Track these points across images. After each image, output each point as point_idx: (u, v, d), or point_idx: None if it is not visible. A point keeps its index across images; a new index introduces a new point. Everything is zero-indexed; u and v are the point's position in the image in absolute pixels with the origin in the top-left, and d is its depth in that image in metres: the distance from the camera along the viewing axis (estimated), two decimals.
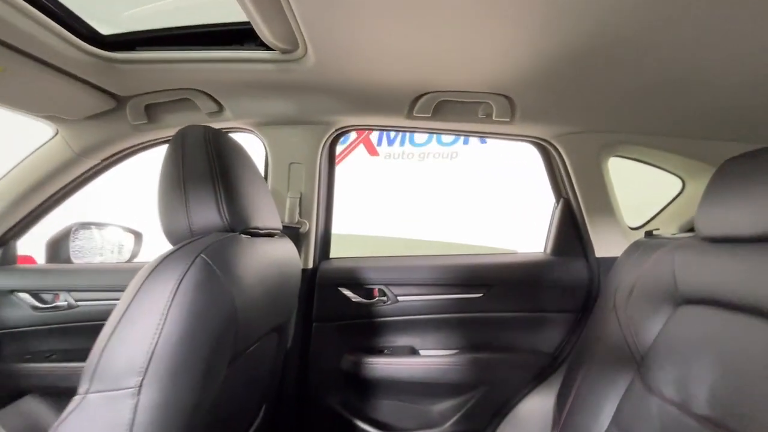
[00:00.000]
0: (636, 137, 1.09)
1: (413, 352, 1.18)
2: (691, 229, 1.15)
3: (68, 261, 1.23)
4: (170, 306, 0.51)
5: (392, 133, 3.90)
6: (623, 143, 1.12)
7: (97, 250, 1.36)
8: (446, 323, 1.17)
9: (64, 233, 1.25)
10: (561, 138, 1.12)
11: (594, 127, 1.08)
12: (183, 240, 0.62)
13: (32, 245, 1.30)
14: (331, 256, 1.24)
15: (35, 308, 1.14)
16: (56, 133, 1.06)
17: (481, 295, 1.15)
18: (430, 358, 1.15)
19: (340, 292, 1.16)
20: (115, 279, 1.15)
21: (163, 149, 0.72)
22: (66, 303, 1.14)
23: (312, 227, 1.15)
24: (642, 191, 1.30)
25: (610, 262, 1.02)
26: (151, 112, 1.05)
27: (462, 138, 3.73)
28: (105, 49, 0.83)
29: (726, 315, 0.62)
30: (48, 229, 1.25)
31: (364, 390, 1.17)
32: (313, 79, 0.90)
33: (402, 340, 1.18)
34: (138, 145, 1.14)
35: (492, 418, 1.15)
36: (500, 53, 0.75)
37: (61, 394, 1.10)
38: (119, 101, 1.01)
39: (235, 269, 0.60)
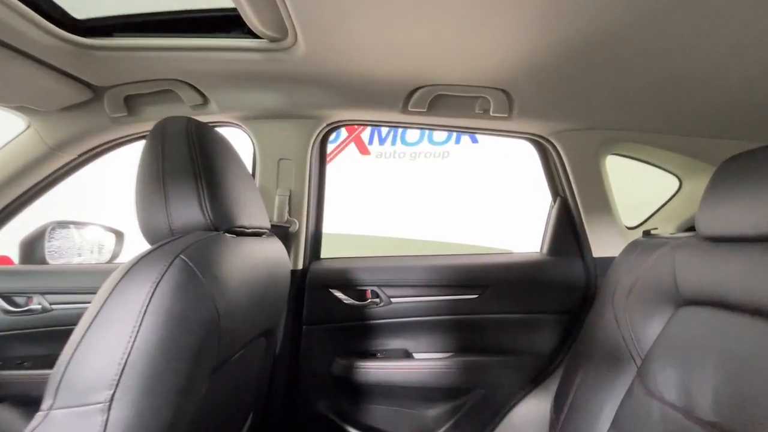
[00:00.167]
0: (634, 135, 1.08)
1: (407, 355, 1.15)
2: (690, 229, 1.14)
3: (43, 262, 1.17)
4: (145, 312, 0.47)
5: (383, 132, 3.87)
6: (621, 141, 1.10)
7: (75, 250, 1.30)
8: (441, 325, 1.14)
9: (39, 232, 1.19)
10: (559, 135, 1.10)
11: (592, 124, 1.06)
12: (162, 240, 0.57)
13: (9, 244, 1.24)
14: (321, 256, 1.21)
15: (6, 312, 1.07)
16: (28, 126, 1.00)
17: (476, 296, 1.13)
18: (424, 362, 1.12)
19: (332, 293, 1.12)
20: (93, 281, 1.10)
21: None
22: (40, 306, 1.08)
23: (302, 226, 1.11)
24: (638, 190, 1.29)
25: (608, 262, 1.00)
26: (131, 104, 0.99)
27: (454, 137, 3.73)
28: (79, 35, 0.78)
29: (729, 316, 0.61)
30: (28, 228, 1.19)
31: (357, 395, 1.14)
32: (304, 70, 0.86)
33: (395, 343, 1.15)
34: (118, 139, 1.08)
35: (488, 423, 1.13)
36: (499, 46, 0.73)
37: (33, 404, 1.03)
38: (96, 92, 0.95)
39: (218, 271, 0.55)
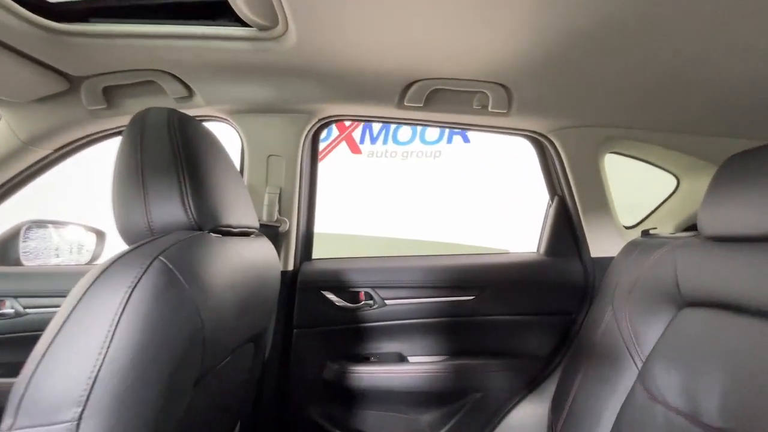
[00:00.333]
0: (634, 132, 1.06)
1: (401, 359, 1.12)
2: (689, 228, 1.13)
3: (18, 263, 1.11)
4: (119, 320, 0.42)
5: (375, 131, 3.85)
6: (621, 139, 1.09)
7: (52, 250, 1.24)
8: (436, 328, 1.11)
9: (13, 232, 1.13)
10: (558, 132, 1.08)
11: (592, 121, 1.04)
12: (141, 240, 0.53)
13: None
14: (313, 257, 1.17)
15: None
16: None
17: (472, 297, 1.10)
18: (418, 365, 1.10)
19: (323, 295, 1.09)
20: (70, 283, 1.03)
21: None
22: (13, 310, 1.02)
23: (292, 226, 1.07)
24: (635, 189, 1.28)
25: (606, 262, 0.99)
26: (110, 96, 0.94)
27: (446, 137, 3.72)
28: (52, 20, 0.72)
29: (734, 318, 0.60)
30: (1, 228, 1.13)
31: (350, 401, 1.10)
32: (294, 61, 0.82)
33: (389, 347, 1.12)
34: (96, 134, 1.02)
35: (484, 427, 1.11)
36: (499, 39, 0.71)
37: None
38: (72, 82, 0.90)
39: (202, 273, 0.51)
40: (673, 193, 1.23)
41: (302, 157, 1.07)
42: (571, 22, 0.64)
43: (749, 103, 0.88)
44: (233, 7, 0.67)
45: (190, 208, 0.57)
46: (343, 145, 3.85)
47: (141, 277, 0.45)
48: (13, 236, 1.12)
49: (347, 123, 3.78)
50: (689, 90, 0.84)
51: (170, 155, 0.57)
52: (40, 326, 1.01)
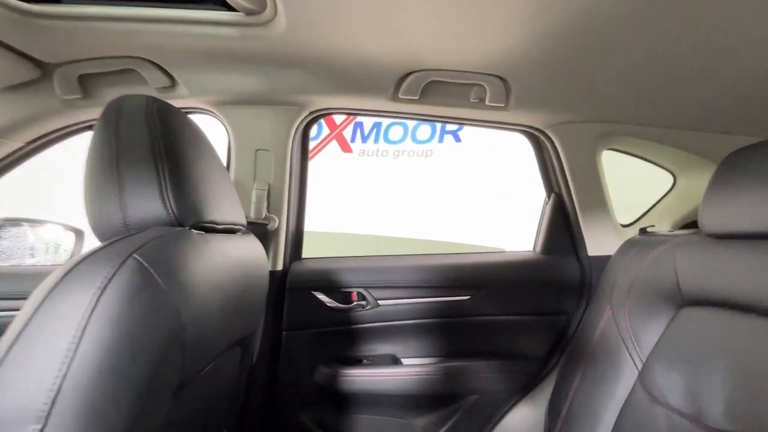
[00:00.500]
0: (632, 128, 1.04)
1: (395, 361, 1.10)
2: (687, 226, 1.13)
3: None
4: (86, 324, 0.38)
5: (366, 129, 3.82)
6: (618, 135, 1.07)
7: (27, 250, 1.18)
8: (431, 329, 1.09)
9: None
10: (556, 128, 1.06)
11: (590, 117, 1.02)
12: (115, 237, 0.49)
13: None
14: (303, 256, 1.13)
15: None
16: None
17: (468, 297, 1.08)
18: (413, 368, 1.07)
19: (314, 296, 1.05)
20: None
21: None
22: None
23: (282, 223, 1.02)
24: (631, 187, 1.27)
25: (603, 260, 0.98)
26: (87, 85, 0.88)
27: (437, 136, 3.71)
28: (22, 0, 0.67)
29: (737, 317, 0.59)
30: None
31: (341, 405, 1.07)
32: (284, 49, 0.78)
33: (382, 349, 1.09)
34: (71, 126, 0.97)
35: (479, 431, 1.08)
36: (497, 30, 0.69)
37: None
38: (44, 70, 0.84)
39: (182, 272, 0.47)
40: (670, 190, 1.22)
41: (292, 152, 1.03)
42: (570, 14, 0.63)
43: (747, 99, 0.87)
44: None
45: (169, 202, 0.52)
46: (334, 143, 3.82)
47: (112, 276, 0.40)
48: None
49: (338, 121, 3.75)
50: (688, 85, 0.83)
51: (148, 146, 0.53)
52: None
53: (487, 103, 0.92)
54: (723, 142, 1.00)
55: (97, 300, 0.39)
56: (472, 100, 0.94)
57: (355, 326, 1.07)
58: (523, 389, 1.09)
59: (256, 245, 0.79)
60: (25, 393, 0.36)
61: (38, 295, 0.40)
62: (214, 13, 0.70)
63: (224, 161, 1.02)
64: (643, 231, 0.98)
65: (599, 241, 1.09)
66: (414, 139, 3.76)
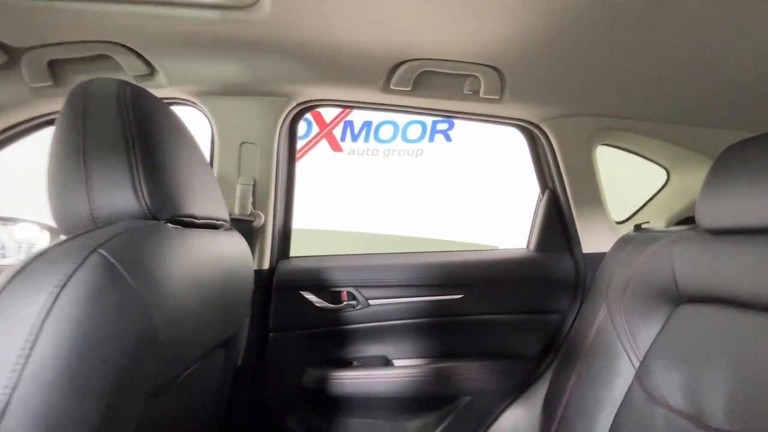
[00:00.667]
0: (627, 123, 1.03)
1: (386, 362, 1.06)
2: (683, 222, 1.12)
3: None
4: (41, 327, 0.34)
5: (356, 128, 3.79)
6: (613, 130, 1.06)
7: None
8: (423, 329, 1.06)
9: None
10: (550, 122, 1.04)
11: (586, 110, 1.00)
12: (80, 230, 0.44)
13: None
14: (291, 254, 1.09)
15: None
16: None
17: (461, 296, 1.05)
18: (405, 369, 1.04)
19: (302, 296, 1.01)
20: None
21: None
22: None
23: (268, 221, 0.99)
24: (625, 184, 1.26)
25: (598, 257, 0.96)
26: (58, 72, 0.83)
27: (428, 135, 3.71)
28: None
29: (736, 314, 0.58)
30: None
31: (331, 408, 1.04)
32: (268, 35, 0.74)
33: (373, 350, 1.06)
34: (42, 116, 0.91)
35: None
36: (492, 18, 0.66)
37: None
38: (11, 54, 0.78)
39: (154, 269, 0.43)
40: (664, 186, 1.21)
41: (279, 146, 0.99)
42: (566, 4, 0.61)
43: (741, 94, 0.87)
44: None
45: (142, 194, 0.48)
46: (324, 142, 3.79)
47: (73, 273, 0.36)
48: None
49: (328, 120, 3.72)
50: (683, 79, 0.83)
51: (119, 133, 0.49)
52: None
53: (481, 95, 0.90)
54: (717, 136, 1.00)
55: (55, 299, 0.35)
56: (465, 92, 0.91)
57: (345, 327, 1.03)
58: (517, 390, 1.07)
59: (240, 242, 0.75)
60: None
61: None
62: None
63: (207, 155, 0.98)
64: (638, 228, 0.97)
65: (594, 238, 1.07)
66: (404, 139, 3.76)
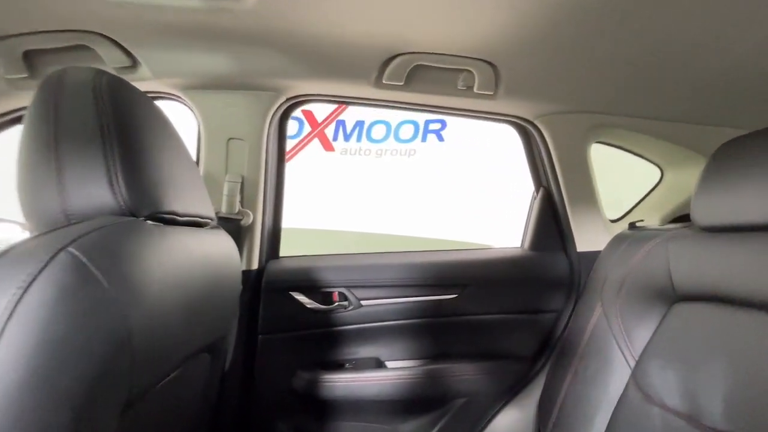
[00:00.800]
0: (621, 120, 1.03)
1: (379, 364, 1.04)
2: (677, 219, 1.12)
3: None
4: (2, 332, 0.31)
5: (348, 128, 3.77)
6: (608, 127, 1.05)
7: None
8: (416, 329, 1.04)
9: None
10: (545, 119, 1.02)
11: (580, 107, 0.99)
12: (52, 228, 0.41)
13: None
14: (281, 254, 1.07)
15: None
16: None
17: (455, 296, 1.04)
18: (398, 371, 1.02)
19: (292, 297, 0.99)
20: None
21: None
22: None
23: (257, 219, 0.96)
24: (618, 182, 1.26)
25: (592, 256, 0.95)
26: (34, 63, 0.79)
27: (420, 135, 3.70)
28: None
29: (732, 312, 0.57)
30: None
31: (322, 412, 1.01)
32: (255, 26, 0.71)
33: (366, 351, 1.04)
34: (18, 110, 0.87)
35: None
36: (486, 12, 0.65)
37: None
38: None
39: (131, 269, 0.40)
40: (657, 184, 1.21)
41: (268, 142, 0.96)
42: None
43: (735, 91, 0.86)
44: None
45: (119, 188, 0.45)
46: (316, 141, 3.76)
47: (38, 273, 0.33)
48: None
49: (320, 119, 3.69)
50: (677, 76, 0.82)
51: (95, 124, 0.46)
52: None
53: (475, 90, 0.88)
54: (710, 134, 1.00)
55: (18, 301, 0.32)
56: (459, 88, 0.89)
57: (336, 328, 1.01)
58: (512, 390, 1.06)
59: (227, 241, 0.72)
60: None
61: None
62: None
63: (193, 151, 0.94)
64: (632, 226, 0.96)
65: (588, 237, 1.07)
66: (397, 138, 3.75)
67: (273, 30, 0.73)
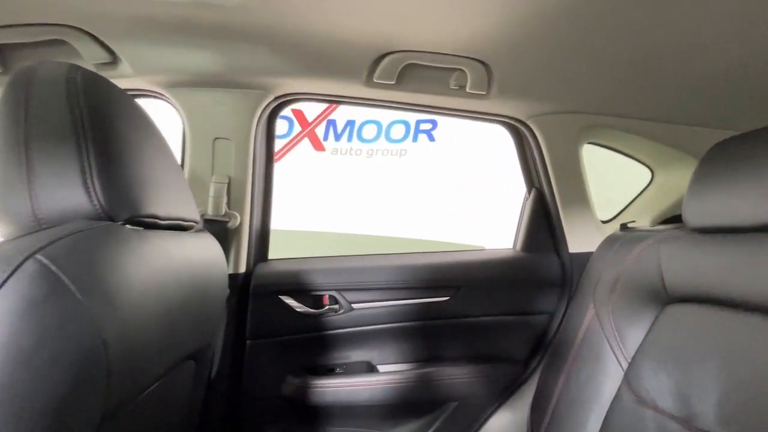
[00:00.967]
0: (613, 120, 1.02)
1: (370, 368, 1.03)
2: (668, 221, 1.12)
3: None
4: None
5: (339, 128, 3.75)
6: (599, 127, 1.05)
7: None
8: (408, 332, 1.03)
9: None
10: (537, 119, 1.02)
11: (573, 107, 0.99)
12: (22, 233, 0.39)
13: None
14: (270, 257, 1.04)
15: None
16: None
17: (447, 298, 1.02)
18: (389, 375, 1.01)
19: (281, 300, 0.96)
20: None
21: None
22: None
23: (244, 221, 0.93)
24: (609, 183, 1.26)
25: (584, 257, 0.95)
26: (7, 58, 0.76)
27: (411, 135, 3.69)
28: None
29: (724, 314, 0.57)
30: None
31: (312, 418, 0.99)
32: (242, 21, 0.69)
33: (357, 355, 1.02)
34: None
35: None
36: (479, 10, 0.64)
37: None
38: None
39: (106, 277, 0.38)
40: (648, 185, 1.22)
41: (255, 142, 0.94)
42: None
43: (727, 92, 0.87)
44: None
45: (94, 191, 0.43)
46: (306, 141, 3.73)
47: (2, 284, 0.31)
48: None
49: (310, 119, 3.66)
50: (669, 77, 0.82)
51: (68, 123, 0.43)
52: None
53: (467, 90, 0.87)
54: (701, 135, 1.00)
55: None
56: (452, 87, 0.88)
57: (326, 332, 0.99)
58: (505, 393, 1.05)
59: (213, 245, 0.69)
60: None
61: None
62: None
63: (177, 151, 0.91)
64: (624, 227, 0.96)
65: (580, 238, 1.06)
66: (388, 138, 3.73)
67: (261, 26, 0.70)
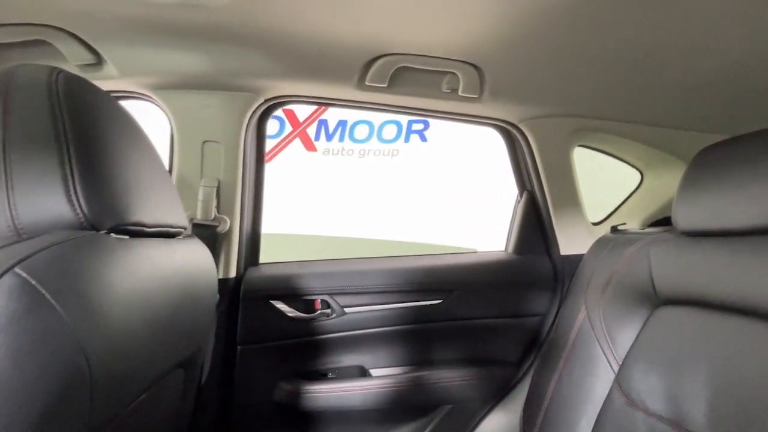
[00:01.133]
0: (605, 124, 1.03)
1: (363, 373, 1.02)
2: (658, 223, 1.13)
3: None
4: None
5: (331, 128, 3.73)
6: (590, 130, 1.05)
7: None
8: (400, 336, 1.02)
9: None
10: (529, 122, 1.02)
11: (564, 111, 0.99)
12: (1, 245, 0.37)
13: None
14: (260, 261, 1.03)
15: None
16: None
17: (439, 301, 1.02)
18: (382, 379, 1.00)
19: (273, 305, 0.95)
20: None
21: None
22: None
23: (234, 225, 0.92)
24: (599, 185, 1.27)
25: (575, 259, 0.96)
26: None
27: (403, 135, 3.69)
28: None
29: (714, 317, 0.57)
30: None
31: (304, 424, 0.98)
32: (231, 22, 0.68)
33: (349, 360, 1.02)
34: None
35: None
36: (471, 13, 0.64)
37: None
38: None
39: (88, 291, 0.37)
40: (637, 188, 1.23)
41: (245, 145, 0.92)
42: (549, 2, 0.59)
43: (717, 97, 0.88)
44: None
45: (77, 199, 0.41)
46: (297, 141, 3.70)
47: None
48: None
49: (301, 119, 3.63)
50: (659, 81, 0.83)
51: (49, 127, 0.42)
52: None
53: (459, 93, 0.86)
54: (691, 139, 1.01)
55: None
56: (444, 90, 0.87)
57: (318, 337, 0.98)
58: (498, 395, 1.05)
59: (202, 250, 0.68)
60: None
61: None
62: None
63: (165, 155, 0.90)
64: (615, 229, 0.97)
65: (571, 240, 1.07)
66: (380, 139, 3.72)
67: (250, 27, 0.69)
